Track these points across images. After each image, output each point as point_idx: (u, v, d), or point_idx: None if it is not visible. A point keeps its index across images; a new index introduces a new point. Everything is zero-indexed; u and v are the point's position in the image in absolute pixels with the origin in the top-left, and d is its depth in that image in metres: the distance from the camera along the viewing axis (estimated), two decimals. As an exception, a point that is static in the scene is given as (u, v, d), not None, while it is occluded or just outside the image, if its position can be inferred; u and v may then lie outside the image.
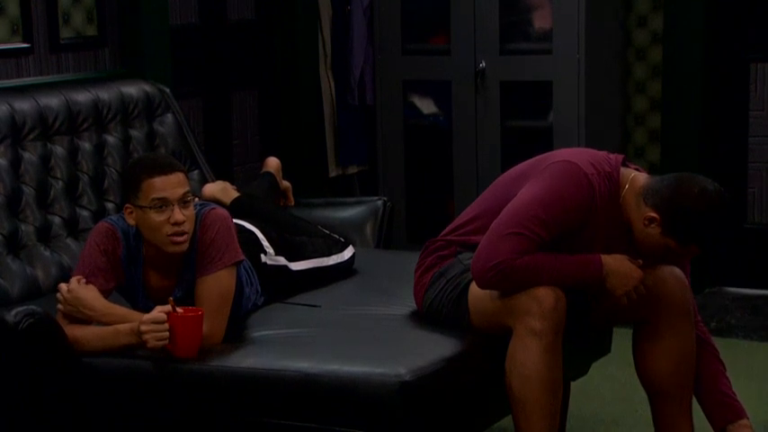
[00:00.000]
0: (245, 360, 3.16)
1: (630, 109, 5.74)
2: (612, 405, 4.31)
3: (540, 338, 3.12)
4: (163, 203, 3.24)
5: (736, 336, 5.05)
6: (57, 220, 4.01)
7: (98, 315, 3.25)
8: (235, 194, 4.24)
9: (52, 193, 4.02)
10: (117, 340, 3.20)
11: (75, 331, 3.22)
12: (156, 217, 3.24)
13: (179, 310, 3.16)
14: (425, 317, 3.42)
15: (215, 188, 4.29)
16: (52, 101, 4.10)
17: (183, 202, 3.26)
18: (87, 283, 3.29)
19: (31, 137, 4.00)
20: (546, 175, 3.23)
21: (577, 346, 3.51)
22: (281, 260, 3.76)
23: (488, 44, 5.51)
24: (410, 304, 3.52)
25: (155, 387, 3.22)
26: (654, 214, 3.18)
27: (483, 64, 5.52)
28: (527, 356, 3.13)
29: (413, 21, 5.76)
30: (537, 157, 3.38)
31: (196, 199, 3.38)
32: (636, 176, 3.27)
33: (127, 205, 3.31)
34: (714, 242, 3.24)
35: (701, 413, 3.44)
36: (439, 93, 5.75)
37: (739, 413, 3.41)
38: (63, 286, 3.29)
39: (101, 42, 4.71)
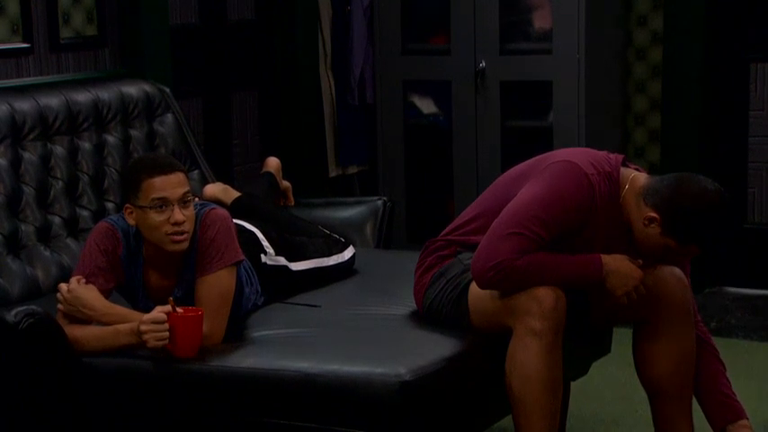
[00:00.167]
0: (245, 360, 3.16)
1: (630, 109, 5.74)
2: (612, 405, 4.31)
3: (540, 338, 3.12)
4: (163, 203, 3.24)
5: (736, 336, 5.05)
6: (57, 220, 4.01)
7: (98, 315, 3.25)
8: (235, 194, 4.24)
9: (52, 193, 4.02)
10: (117, 340, 3.20)
11: (75, 331, 3.22)
12: (156, 217, 3.24)
13: (179, 310, 3.16)
14: (425, 317, 3.42)
15: (216, 188, 4.29)
16: (52, 101, 4.10)
17: (183, 201, 3.26)
18: (87, 283, 3.29)
19: (31, 137, 4.00)
20: (546, 175, 3.23)
21: (577, 346, 3.51)
22: (281, 260, 3.76)
23: (488, 44, 5.51)
24: (410, 304, 3.52)
25: (155, 387, 3.22)
26: (654, 214, 3.18)
27: (483, 64, 5.52)
28: (527, 356, 3.13)
29: (413, 21, 5.76)
30: (537, 157, 3.38)
31: (196, 199, 3.38)
32: (636, 176, 3.27)
33: (127, 205, 3.31)
34: (714, 242, 3.23)
35: (701, 413, 3.44)
36: (439, 93, 5.75)
37: (739, 413, 3.41)
38: (63, 286, 3.29)
39: (101, 42, 4.71)
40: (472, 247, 3.30)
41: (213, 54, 5.49)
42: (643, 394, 3.44)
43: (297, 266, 3.81)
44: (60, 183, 4.05)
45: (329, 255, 3.92)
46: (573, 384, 3.83)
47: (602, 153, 3.32)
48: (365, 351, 3.17)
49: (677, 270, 3.35)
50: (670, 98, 5.60)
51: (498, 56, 5.50)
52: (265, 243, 3.75)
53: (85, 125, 4.19)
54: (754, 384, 4.37)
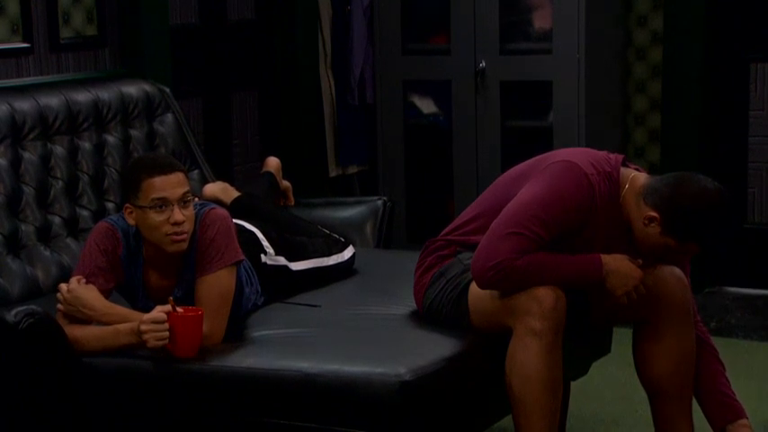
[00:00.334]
0: (245, 360, 3.16)
1: (630, 109, 5.74)
2: (612, 405, 4.31)
3: (540, 338, 3.12)
4: (163, 203, 3.24)
5: (736, 336, 5.06)
6: (57, 220, 4.01)
7: (98, 315, 3.25)
8: (235, 194, 4.24)
9: (52, 193, 4.02)
10: (117, 340, 3.20)
11: (75, 331, 3.22)
12: (156, 217, 3.24)
13: (179, 309, 3.16)
14: (425, 317, 3.42)
15: (215, 188, 4.29)
16: (52, 101, 4.10)
17: (183, 201, 3.26)
18: (87, 282, 3.29)
19: (31, 137, 4.00)
20: (546, 175, 3.23)
21: (577, 346, 3.51)
22: (281, 260, 3.76)
23: (488, 44, 5.51)
24: (410, 304, 3.52)
25: (155, 387, 3.22)
26: (654, 213, 3.18)
27: (483, 64, 5.52)
28: (527, 356, 3.13)
29: (413, 20, 5.76)
30: (537, 157, 3.38)
31: (196, 199, 3.38)
32: (636, 176, 3.27)
33: (127, 205, 3.31)
34: (714, 241, 3.24)
35: (701, 413, 3.44)
36: (439, 92, 5.75)
37: (739, 413, 3.41)
38: (63, 286, 3.29)
39: (101, 42, 4.71)
40: (472, 247, 3.30)
41: (213, 54, 5.49)
42: (643, 394, 3.44)
43: (297, 266, 3.81)
44: (60, 183, 4.05)
45: (329, 255, 3.92)
46: (573, 384, 3.83)
47: (602, 153, 3.32)
48: (365, 351, 3.17)
49: (677, 270, 3.35)
50: (670, 98, 5.60)
51: (498, 56, 5.50)
52: (265, 243, 3.75)
53: (85, 125, 4.19)
54: (754, 384, 4.37)
